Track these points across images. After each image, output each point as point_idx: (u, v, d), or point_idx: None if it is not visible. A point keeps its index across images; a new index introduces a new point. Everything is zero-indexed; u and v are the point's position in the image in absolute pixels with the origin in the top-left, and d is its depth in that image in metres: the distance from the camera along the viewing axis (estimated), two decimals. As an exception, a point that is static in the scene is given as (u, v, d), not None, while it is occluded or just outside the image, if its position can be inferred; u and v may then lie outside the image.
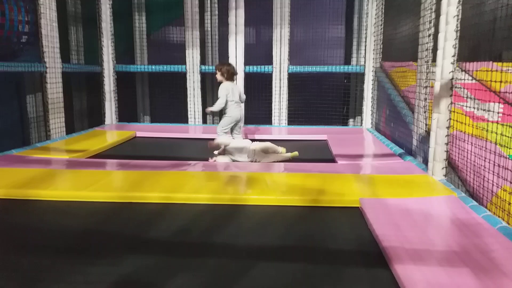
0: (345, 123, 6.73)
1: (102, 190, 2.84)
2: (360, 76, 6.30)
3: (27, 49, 4.87)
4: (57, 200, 2.74)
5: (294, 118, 6.40)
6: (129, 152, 4.52)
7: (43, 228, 2.32)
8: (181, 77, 6.39)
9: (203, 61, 6.66)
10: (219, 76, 4.44)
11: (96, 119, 6.39)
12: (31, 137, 5.09)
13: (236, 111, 4.39)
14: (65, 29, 5.97)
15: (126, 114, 6.66)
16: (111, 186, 3.03)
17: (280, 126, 6.28)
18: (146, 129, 5.76)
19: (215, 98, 7.16)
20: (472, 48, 3.08)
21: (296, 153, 3.98)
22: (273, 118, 6.35)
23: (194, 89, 6.38)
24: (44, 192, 2.81)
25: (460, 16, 2.86)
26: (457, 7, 2.85)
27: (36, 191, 2.82)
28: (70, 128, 5.61)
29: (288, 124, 6.33)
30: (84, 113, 6.64)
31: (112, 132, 5.60)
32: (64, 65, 5.24)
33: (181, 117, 6.44)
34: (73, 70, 5.73)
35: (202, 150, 4.14)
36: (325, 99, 6.35)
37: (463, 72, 3.46)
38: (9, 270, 1.84)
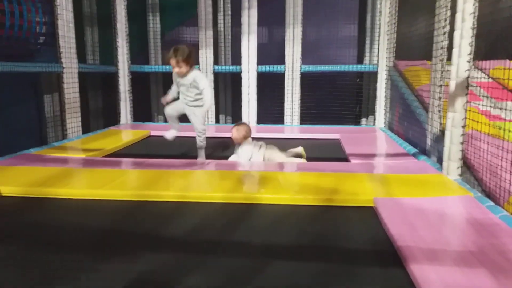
0: (357, 122, 6.70)
1: (118, 189, 2.88)
2: (373, 75, 6.26)
3: (44, 49, 4.96)
4: (74, 198, 2.79)
5: (307, 117, 6.39)
6: (143, 151, 4.57)
7: (60, 226, 2.37)
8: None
9: (216, 61, 6.69)
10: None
11: (111, 118, 6.47)
12: (49, 137, 5.18)
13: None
14: (81, 29, 6.06)
15: (141, 114, 6.73)
16: (126, 184, 3.07)
17: (292, 126, 6.28)
18: (161, 129, 5.80)
19: (228, 97, 7.23)
20: (488, 46, 3.03)
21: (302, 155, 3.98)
22: (285, 117, 6.36)
23: (207, 89, 6.41)
24: (61, 190, 2.86)
25: (476, 14, 2.83)
26: (473, 4, 2.82)
27: (53, 189, 2.88)
28: (86, 128, 5.69)
29: (301, 124, 6.33)
30: (99, 113, 6.73)
31: (127, 132, 5.67)
32: (80, 65, 5.32)
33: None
34: (89, 70, 5.81)
35: (216, 148, 4.17)
36: (337, 98, 6.32)
37: (478, 71, 3.42)
38: (27, 267, 1.88)
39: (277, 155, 3.81)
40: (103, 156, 4.18)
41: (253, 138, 3.91)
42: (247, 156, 3.71)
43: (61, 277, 1.77)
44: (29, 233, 2.28)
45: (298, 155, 3.97)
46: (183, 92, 3.78)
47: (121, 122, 6.41)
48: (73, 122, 5.13)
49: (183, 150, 3.43)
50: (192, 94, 3.75)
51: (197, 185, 2.98)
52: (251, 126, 5.98)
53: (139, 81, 6.75)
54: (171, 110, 3.89)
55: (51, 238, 2.21)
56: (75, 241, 2.16)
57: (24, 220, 2.48)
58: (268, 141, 4.14)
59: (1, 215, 2.56)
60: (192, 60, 3.64)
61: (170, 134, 4.00)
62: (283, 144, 4.33)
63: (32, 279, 1.77)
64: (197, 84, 3.67)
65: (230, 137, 3.83)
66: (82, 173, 3.41)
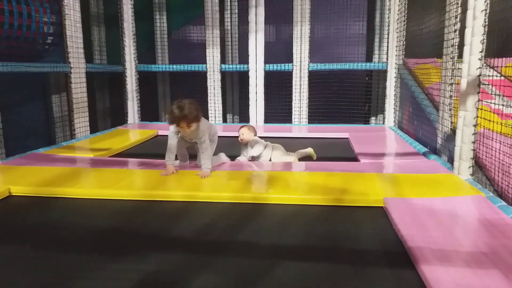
0: (366, 121, 6.64)
1: (126, 189, 2.88)
2: (382, 74, 6.21)
3: (52, 49, 4.98)
4: (83, 198, 2.80)
5: (315, 116, 6.35)
6: (151, 150, 4.57)
7: (68, 225, 2.38)
8: (202, 76, 6.43)
9: (223, 60, 6.68)
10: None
11: (118, 118, 6.50)
12: (57, 136, 5.21)
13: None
14: (88, 29, 6.09)
15: (148, 113, 6.75)
16: (134, 184, 3.07)
17: (300, 125, 6.24)
18: (168, 128, 5.81)
19: (235, 96, 7.22)
20: (500, 43, 2.98)
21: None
22: (293, 116, 6.33)
23: (214, 88, 6.41)
24: (70, 190, 2.87)
25: (488, 11, 2.78)
26: (485, 1, 2.77)
27: (62, 189, 2.88)
28: (94, 127, 5.72)
29: (309, 123, 6.29)
30: (107, 113, 6.76)
31: (134, 131, 5.68)
32: (88, 65, 5.34)
33: (202, 115, 6.48)
34: (96, 70, 5.83)
35: (223, 148, 4.16)
36: (346, 97, 6.27)
37: (490, 68, 3.36)
38: (36, 266, 1.88)
39: (277, 154, 3.80)
40: (111, 156, 4.19)
41: (260, 137, 3.90)
42: (261, 148, 3.73)
43: (70, 277, 1.77)
44: (38, 232, 2.29)
45: (308, 156, 3.95)
46: (183, 141, 3.37)
47: (128, 122, 6.42)
48: (81, 122, 5.15)
49: (190, 150, 3.42)
50: (191, 144, 3.42)
51: (205, 185, 2.96)
52: (258, 125, 6.00)
53: (146, 81, 6.76)
54: (174, 141, 3.31)
55: (60, 237, 2.21)
56: (84, 241, 2.17)
57: (33, 219, 2.49)
58: (276, 141, 4.12)
59: (11, 214, 2.58)
60: (200, 117, 3.15)
61: (168, 171, 3.27)
62: (291, 144, 4.31)
63: (42, 278, 1.77)
64: (198, 136, 3.24)
65: (237, 137, 3.81)
66: (90, 172, 3.42)
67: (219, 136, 3.57)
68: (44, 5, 4.58)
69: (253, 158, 3.75)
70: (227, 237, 2.19)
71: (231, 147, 3.81)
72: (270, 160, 3.78)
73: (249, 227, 2.30)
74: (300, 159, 3.88)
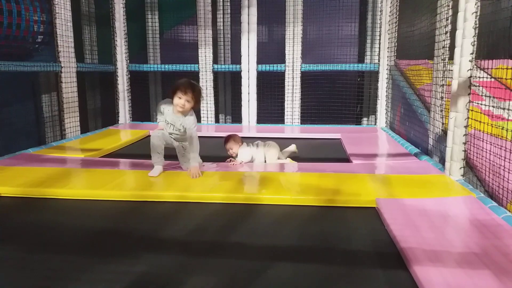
0: (358, 122, 6.67)
1: (117, 189, 2.86)
2: (374, 75, 6.24)
3: (42, 48, 4.92)
4: (73, 199, 2.77)
5: (307, 117, 6.36)
6: (142, 151, 4.53)
7: (59, 227, 2.35)
8: (194, 76, 6.40)
9: (215, 60, 6.66)
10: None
11: (109, 118, 6.44)
12: (47, 136, 5.15)
13: None
14: (79, 28, 6.03)
15: (140, 113, 6.70)
16: (125, 185, 3.04)
17: (293, 125, 6.25)
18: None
19: (227, 97, 7.20)
20: (490, 45, 3.01)
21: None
22: (285, 117, 6.33)
23: (206, 88, 6.39)
24: (60, 191, 2.83)
25: (478, 13, 2.80)
26: (475, 4, 2.79)
27: (52, 189, 2.85)
28: (85, 127, 5.67)
29: (301, 123, 6.30)
30: (98, 113, 6.70)
31: (125, 131, 5.64)
32: (78, 64, 5.28)
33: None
34: (87, 69, 5.78)
35: (215, 148, 4.14)
36: (338, 97, 6.29)
37: (480, 70, 3.40)
38: (26, 268, 1.85)
39: (272, 154, 3.74)
40: (102, 156, 4.15)
41: (247, 138, 3.86)
42: (247, 155, 3.66)
43: (60, 278, 1.75)
44: (28, 233, 2.26)
45: (293, 153, 3.95)
46: (169, 130, 3.28)
47: (119, 122, 6.38)
48: (72, 122, 5.10)
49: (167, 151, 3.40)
50: (179, 136, 3.30)
51: (197, 185, 2.95)
52: (250, 126, 5.98)
53: (137, 81, 6.72)
54: (158, 140, 3.22)
55: (50, 238, 2.18)
56: (74, 242, 2.14)
57: (22, 220, 2.45)
58: (268, 141, 4.10)
59: (0, 215, 2.54)
60: (199, 106, 3.23)
61: (155, 172, 3.20)
62: (283, 144, 4.30)
63: (32, 280, 1.74)
64: (186, 129, 3.20)
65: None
66: (81, 173, 3.38)
67: (211, 137, 3.57)
68: (34, 3, 4.53)
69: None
70: (220, 238, 2.18)
71: (222, 149, 3.79)
72: (265, 160, 3.74)
73: (242, 228, 2.30)
74: (291, 158, 3.88)
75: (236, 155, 3.68)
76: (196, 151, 3.20)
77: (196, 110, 3.27)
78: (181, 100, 3.07)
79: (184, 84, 3.08)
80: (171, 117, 3.20)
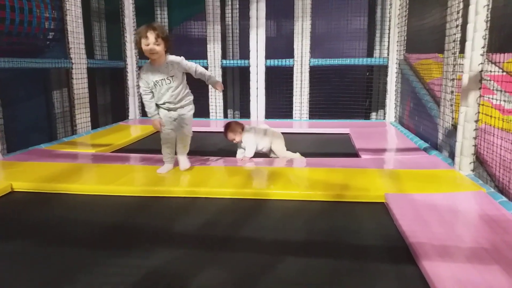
0: (367, 116, 6.64)
1: (128, 185, 2.89)
2: (383, 69, 6.19)
3: (53, 45, 4.97)
4: (85, 194, 2.81)
5: (316, 111, 6.35)
6: (153, 146, 4.56)
7: (71, 221, 2.39)
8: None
9: (224, 56, 6.67)
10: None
11: (120, 114, 6.49)
12: (58, 132, 5.21)
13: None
14: (89, 25, 6.07)
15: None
16: (136, 180, 3.08)
17: (301, 120, 6.25)
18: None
19: (236, 92, 7.21)
20: (502, 39, 2.97)
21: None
22: (294, 111, 6.33)
23: (215, 83, 6.40)
24: (72, 186, 2.88)
25: (490, 6, 2.77)
26: (487, -3, 2.76)
27: (64, 185, 2.90)
28: (95, 123, 5.72)
29: (310, 118, 6.30)
30: (108, 108, 6.75)
31: (135, 127, 5.69)
32: (89, 60, 5.33)
33: (203, 111, 6.47)
34: (97, 65, 5.83)
35: (224, 143, 4.16)
36: (347, 92, 6.26)
37: (491, 64, 3.36)
38: (38, 262, 1.89)
39: (279, 144, 3.68)
40: (112, 152, 4.20)
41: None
42: (253, 146, 3.58)
43: (74, 272, 1.79)
44: (41, 228, 2.30)
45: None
46: (161, 95, 2.97)
47: (129, 117, 6.43)
48: (82, 117, 5.15)
49: (192, 146, 3.41)
50: (176, 91, 2.97)
51: (206, 180, 2.97)
52: (259, 121, 5.97)
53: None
54: (169, 134, 3.09)
55: (63, 233, 2.23)
56: (87, 237, 2.18)
57: (35, 215, 2.50)
58: (274, 129, 4.04)
59: (13, 210, 2.59)
60: (171, 43, 2.93)
61: (164, 169, 3.17)
62: (292, 139, 4.31)
63: (45, 274, 1.78)
64: (180, 68, 2.96)
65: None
66: (92, 168, 3.43)
67: (220, 132, 3.52)
68: (45, 0, 4.57)
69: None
70: (230, 232, 2.20)
71: (230, 144, 3.80)
72: (271, 149, 3.67)
73: (251, 223, 2.31)
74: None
75: (241, 142, 3.61)
76: (207, 73, 3.11)
77: (172, 51, 2.98)
78: (148, 46, 2.80)
79: (142, 29, 2.82)
80: (156, 74, 2.91)
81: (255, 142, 3.60)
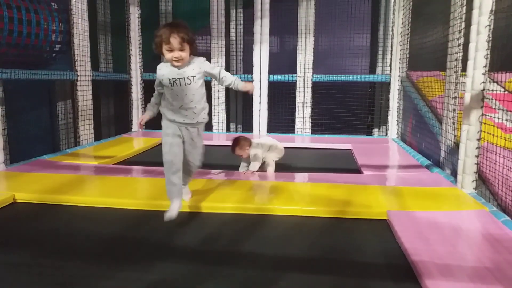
0: (369, 132, 6.66)
1: (130, 198, 2.90)
2: (386, 86, 6.23)
3: (59, 57, 5.03)
4: (87, 206, 2.81)
5: (318, 127, 6.37)
6: (155, 158, 4.56)
7: (73, 233, 2.39)
8: (206, 86, 6.43)
9: (227, 70, 6.70)
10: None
11: (123, 126, 6.53)
12: (61, 143, 5.24)
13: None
14: (94, 38, 6.15)
15: (153, 122, 6.70)
16: (138, 193, 3.08)
17: (303, 135, 6.26)
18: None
19: (238, 106, 7.25)
20: (503, 58, 3.00)
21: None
22: (296, 126, 6.35)
23: (218, 98, 6.46)
24: (74, 198, 2.88)
25: (492, 26, 2.81)
26: (489, 17, 2.80)
27: (66, 196, 2.90)
28: (98, 135, 5.75)
29: (312, 133, 6.32)
30: (111, 120, 6.79)
31: (138, 139, 5.71)
32: (94, 73, 5.38)
33: (205, 125, 6.48)
34: (102, 78, 5.88)
35: (226, 157, 4.17)
36: (349, 108, 6.30)
37: (493, 83, 3.38)
38: (39, 273, 1.89)
39: (270, 157, 3.72)
40: (115, 164, 4.21)
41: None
42: (258, 163, 3.62)
43: (74, 285, 1.78)
44: (42, 239, 2.30)
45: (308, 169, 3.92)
46: (176, 98, 2.46)
47: (132, 130, 6.46)
48: (86, 129, 5.18)
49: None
50: (196, 99, 2.49)
51: (208, 195, 2.97)
52: (261, 135, 5.98)
53: (151, 89, 6.75)
54: (177, 155, 2.52)
55: (65, 245, 2.22)
56: (88, 249, 2.17)
57: (37, 226, 2.50)
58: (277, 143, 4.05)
59: (15, 221, 2.59)
60: (196, 44, 2.46)
61: (175, 209, 2.45)
62: (294, 154, 4.31)
63: (45, 286, 1.78)
64: (203, 68, 2.49)
65: None
66: (94, 180, 3.44)
67: (222, 145, 3.52)
68: (52, 13, 4.65)
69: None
70: (231, 247, 2.20)
71: (233, 157, 3.80)
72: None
73: (252, 238, 2.31)
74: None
75: (248, 157, 3.64)
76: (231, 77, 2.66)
77: (196, 53, 2.50)
78: (172, 53, 2.35)
79: (164, 32, 2.32)
80: (174, 72, 2.42)
81: (261, 159, 3.64)
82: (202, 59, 2.52)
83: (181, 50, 2.35)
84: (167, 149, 2.50)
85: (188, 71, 2.43)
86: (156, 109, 2.68)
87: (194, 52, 2.45)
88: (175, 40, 2.31)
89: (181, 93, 2.44)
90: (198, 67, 2.47)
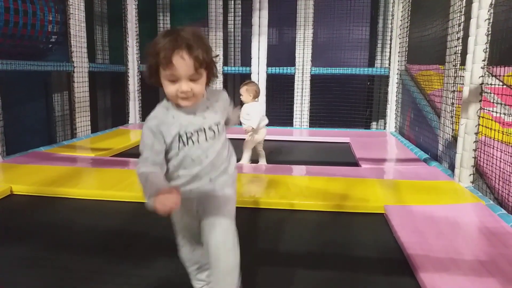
0: (368, 126, 6.65)
1: (127, 190, 2.89)
2: (384, 79, 6.22)
3: (55, 48, 4.99)
4: (84, 199, 2.80)
5: (316, 120, 6.36)
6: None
7: (70, 226, 2.38)
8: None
9: (225, 62, 6.69)
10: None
11: (120, 118, 6.50)
12: (58, 135, 5.21)
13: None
14: (91, 29, 6.10)
15: (149, 114, 6.73)
16: (136, 185, 3.07)
17: (301, 128, 6.25)
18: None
19: (236, 99, 7.21)
20: (503, 52, 2.99)
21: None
22: (294, 119, 6.34)
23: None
24: (71, 190, 2.87)
25: (491, 20, 2.79)
26: (488, 11, 2.78)
27: (63, 189, 2.89)
28: (95, 127, 5.73)
29: (310, 126, 6.31)
30: (108, 112, 6.76)
31: (135, 131, 5.69)
32: (90, 64, 5.35)
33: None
34: (99, 69, 5.84)
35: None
36: (347, 101, 6.29)
37: (492, 77, 3.38)
38: (37, 266, 1.89)
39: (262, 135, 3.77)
40: (112, 156, 4.20)
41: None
42: (257, 117, 3.58)
43: (71, 278, 1.78)
44: (40, 232, 2.29)
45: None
46: (191, 162, 1.40)
47: (129, 122, 6.43)
48: (83, 121, 5.16)
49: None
50: (221, 156, 1.47)
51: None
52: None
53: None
54: (190, 224, 1.60)
55: (62, 238, 2.22)
56: (85, 242, 2.17)
57: (34, 219, 2.50)
58: (277, 144, 4.11)
59: (13, 213, 2.58)
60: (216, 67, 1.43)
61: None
62: (292, 147, 4.31)
63: (42, 278, 1.77)
64: (223, 106, 1.51)
65: (242, 139, 3.76)
66: (91, 172, 3.43)
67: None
68: (49, 4, 4.59)
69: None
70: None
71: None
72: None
73: (248, 232, 2.30)
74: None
75: (245, 110, 3.62)
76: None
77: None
78: (178, 85, 1.33)
79: (165, 47, 1.28)
80: (188, 121, 1.38)
81: (259, 115, 3.61)
82: (221, 90, 1.56)
83: (193, 80, 1.32)
84: (186, 248, 1.68)
85: (210, 117, 1.42)
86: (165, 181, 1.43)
87: (212, 80, 1.42)
88: (182, 64, 1.28)
89: (200, 155, 1.40)
90: (221, 106, 1.49)
